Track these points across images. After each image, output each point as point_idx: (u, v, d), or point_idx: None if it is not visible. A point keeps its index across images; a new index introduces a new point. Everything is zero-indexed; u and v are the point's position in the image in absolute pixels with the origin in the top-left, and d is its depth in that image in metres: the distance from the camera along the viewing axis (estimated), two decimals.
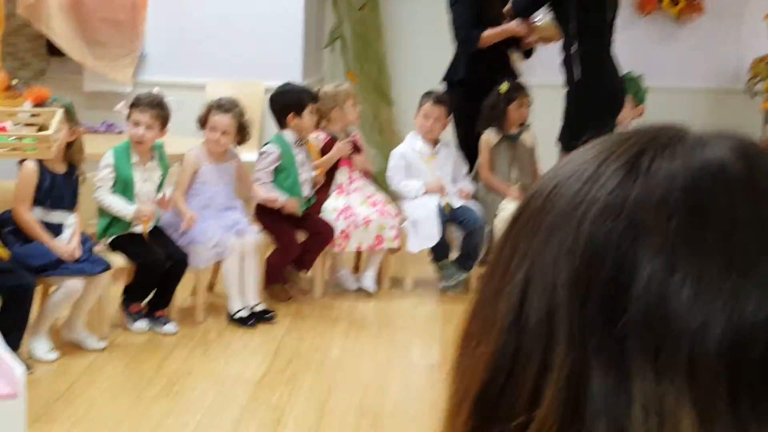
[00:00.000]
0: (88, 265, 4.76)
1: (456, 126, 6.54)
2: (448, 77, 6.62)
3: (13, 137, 4.02)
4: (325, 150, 6.10)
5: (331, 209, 6.03)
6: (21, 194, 4.73)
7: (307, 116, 5.82)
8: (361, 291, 6.08)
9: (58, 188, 4.81)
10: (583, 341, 0.64)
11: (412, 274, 6.24)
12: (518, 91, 6.32)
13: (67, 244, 4.74)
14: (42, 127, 4.15)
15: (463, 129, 6.52)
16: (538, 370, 0.66)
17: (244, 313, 5.44)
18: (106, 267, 4.86)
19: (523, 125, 6.41)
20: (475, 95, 6.27)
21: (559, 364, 0.64)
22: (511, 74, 6.53)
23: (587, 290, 0.65)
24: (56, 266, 4.68)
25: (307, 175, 5.88)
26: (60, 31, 6.90)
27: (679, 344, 0.63)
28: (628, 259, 0.64)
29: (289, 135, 5.83)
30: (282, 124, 5.89)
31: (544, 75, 6.83)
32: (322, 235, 5.88)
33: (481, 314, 0.72)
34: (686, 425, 0.62)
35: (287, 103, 5.86)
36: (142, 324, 5.21)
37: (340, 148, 6.09)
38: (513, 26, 6.33)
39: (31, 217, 4.73)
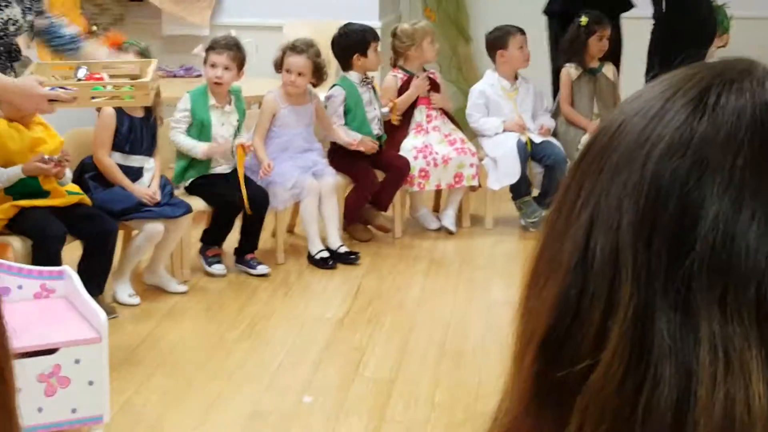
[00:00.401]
0: (168, 208, 4.79)
1: (552, 59, 6.48)
2: (548, 8, 6.61)
3: (111, 86, 4.06)
4: (402, 89, 6.04)
5: (410, 147, 5.96)
6: (100, 139, 4.77)
7: (372, 55, 5.77)
8: (441, 230, 6.04)
9: (136, 132, 4.82)
10: (648, 281, 0.63)
11: (493, 211, 6.18)
12: (598, 23, 6.20)
13: (147, 188, 4.78)
14: (135, 76, 4.19)
15: (557, 62, 6.46)
16: (603, 311, 0.65)
17: (324, 254, 5.43)
18: (187, 210, 4.88)
19: (604, 58, 6.29)
20: None
21: (624, 305, 0.64)
22: (625, 4, 6.48)
23: (652, 229, 0.64)
24: (137, 210, 4.70)
25: (374, 113, 5.83)
26: None
27: (747, 284, 0.62)
28: (694, 198, 0.63)
29: (353, 75, 5.78)
30: (346, 66, 5.86)
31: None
32: (397, 171, 5.82)
33: (547, 254, 0.71)
34: (754, 366, 0.61)
35: (350, 44, 5.82)
36: (219, 267, 5.24)
37: (417, 86, 6.01)
38: None
39: (111, 161, 4.77)
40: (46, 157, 4.25)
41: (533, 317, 0.70)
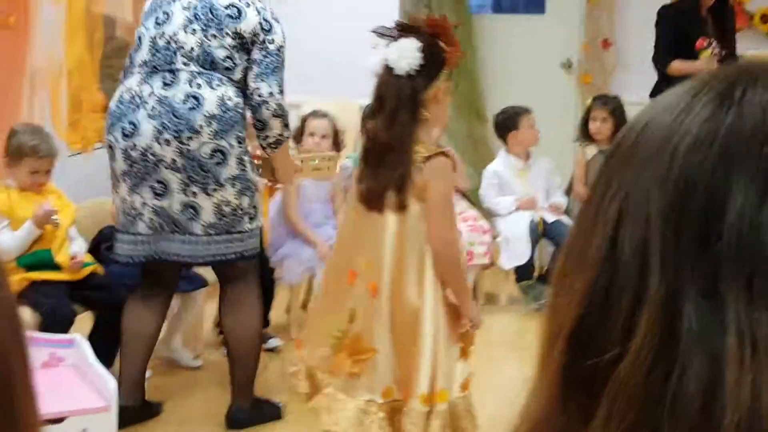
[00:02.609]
0: (183, 282, 4.66)
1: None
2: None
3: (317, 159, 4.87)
4: None
5: None
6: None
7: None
8: None
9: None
10: (677, 270, 0.64)
11: (507, 289, 6.09)
12: (601, 105, 6.17)
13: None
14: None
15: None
16: (632, 301, 0.65)
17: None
18: (202, 284, 4.80)
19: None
20: None
21: (653, 294, 0.64)
22: None
23: (680, 220, 0.65)
24: None
25: None
26: None
27: None
28: (721, 189, 0.64)
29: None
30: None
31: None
32: None
33: (575, 251, 0.72)
34: None
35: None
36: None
37: None
38: (702, 66, 6.15)
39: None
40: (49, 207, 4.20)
41: (562, 312, 0.71)
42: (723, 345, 0.62)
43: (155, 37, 3.95)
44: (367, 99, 5.95)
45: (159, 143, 3.81)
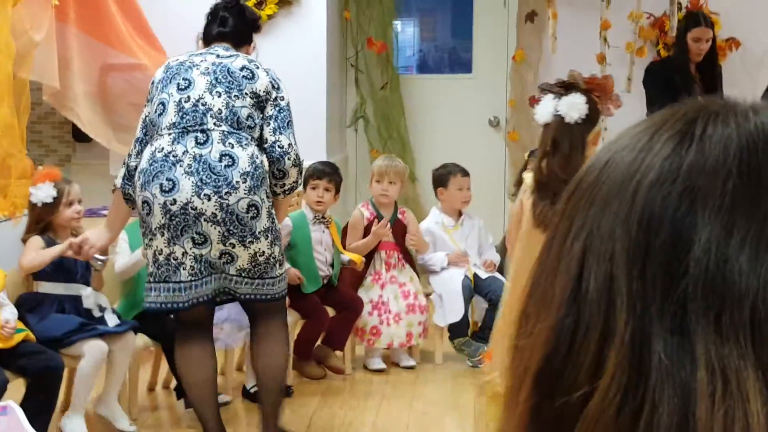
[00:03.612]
0: (113, 325, 4.70)
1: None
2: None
3: None
4: (369, 227, 6.03)
5: (367, 300, 5.94)
6: (26, 264, 4.67)
7: (309, 191, 5.76)
8: (391, 364, 5.99)
9: (68, 261, 4.70)
10: (644, 307, 0.64)
11: (443, 347, 6.13)
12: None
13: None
14: None
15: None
16: (599, 339, 0.65)
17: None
18: (132, 326, 4.78)
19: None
20: None
21: (620, 332, 0.64)
22: None
23: (646, 256, 0.64)
24: (78, 330, 4.58)
25: (325, 255, 5.78)
26: (86, 117, 6.88)
27: (741, 305, 0.62)
28: (686, 224, 0.64)
29: (307, 211, 5.79)
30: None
31: None
32: (350, 309, 5.79)
33: (537, 292, 0.72)
34: (750, 385, 0.61)
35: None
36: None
37: (376, 233, 5.95)
38: None
39: (34, 255, 4.66)
40: None
41: (526, 354, 0.70)
42: (693, 380, 0.62)
43: (180, 101, 4.18)
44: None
45: (200, 198, 4.05)
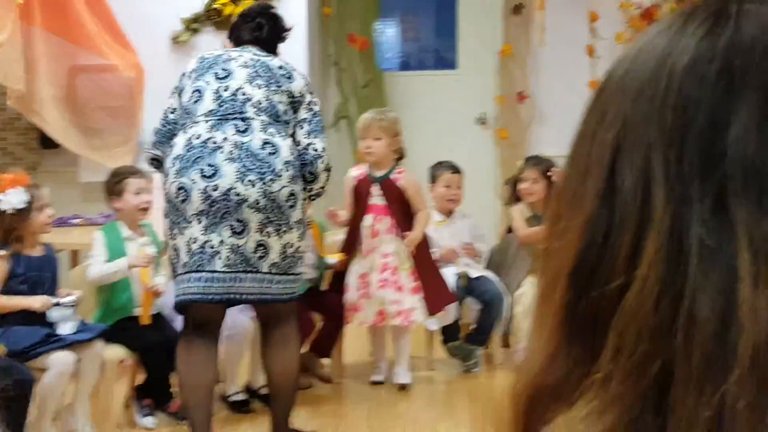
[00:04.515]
0: (78, 334, 4.48)
1: None
2: None
3: None
4: (357, 188, 5.64)
5: (356, 276, 5.56)
6: None
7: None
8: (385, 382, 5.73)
9: (35, 271, 4.54)
10: (682, 192, 0.63)
11: (434, 351, 5.93)
12: (532, 165, 6.00)
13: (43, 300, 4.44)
14: None
15: None
16: (635, 227, 0.64)
17: (239, 396, 5.16)
18: (99, 333, 4.54)
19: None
20: None
21: (658, 218, 0.63)
22: None
23: (683, 140, 0.64)
24: (45, 342, 4.38)
25: (308, 256, 5.49)
26: (54, 122, 6.67)
27: None
28: (724, 105, 0.63)
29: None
30: None
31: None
32: (337, 316, 5.54)
33: (568, 192, 0.70)
34: None
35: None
36: (150, 420, 4.92)
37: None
38: None
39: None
40: None
41: (558, 254, 0.69)
42: (736, 263, 0.60)
43: (218, 90, 4.20)
44: None
45: (243, 184, 4.04)
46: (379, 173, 5.61)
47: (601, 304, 0.65)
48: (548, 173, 5.87)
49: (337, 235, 5.75)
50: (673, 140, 0.64)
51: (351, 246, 5.63)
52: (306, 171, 4.26)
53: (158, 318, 4.94)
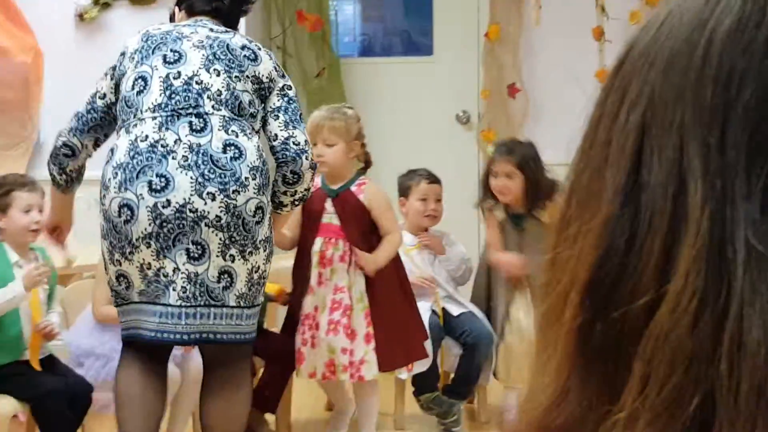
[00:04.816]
0: None
1: None
2: None
3: None
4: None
5: (306, 311, 5.40)
6: None
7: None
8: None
9: None
10: (725, 184, 0.63)
11: (405, 407, 5.92)
12: (504, 155, 5.89)
13: None
14: None
15: None
16: (667, 230, 0.64)
17: None
18: None
19: (534, 206, 5.88)
20: None
21: (695, 218, 0.63)
22: None
23: (725, 121, 0.63)
24: None
25: None
26: None
27: None
28: None
29: None
30: None
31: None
32: (282, 360, 5.47)
33: (580, 191, 0.71)
34: None
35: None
36: None
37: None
38: None
39: None
40: None
41: (569, 266, 0.69)
42: None
43: (168, 77, 4.18)
44: None
45: (202, 198, 4.04)
46: (335, 186, 5.50)
47: (624, 326, 0.65)
48: (526, 164, 5.79)
49: (288, 260, 5.63)
50: (712, 122, 0.64)
51: (300, 276, 5.50)
52: (287, 170, 4.26)
53: (51, 361, 4.93)
